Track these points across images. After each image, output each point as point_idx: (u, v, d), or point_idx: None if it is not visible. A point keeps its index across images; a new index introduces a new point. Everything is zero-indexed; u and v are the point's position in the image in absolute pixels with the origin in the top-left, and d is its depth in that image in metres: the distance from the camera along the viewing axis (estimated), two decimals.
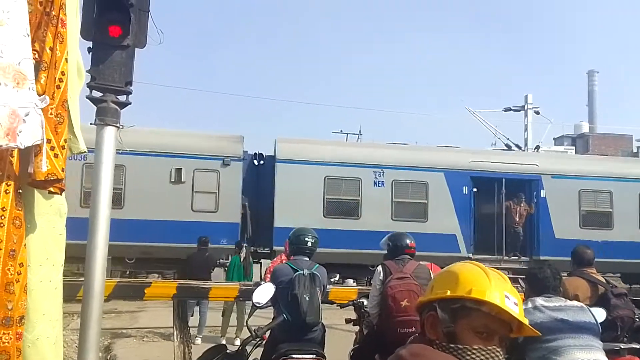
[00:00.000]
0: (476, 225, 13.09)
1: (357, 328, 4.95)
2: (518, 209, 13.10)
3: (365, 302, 4.54)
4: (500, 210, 13.26)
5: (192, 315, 7.67)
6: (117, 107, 3.17)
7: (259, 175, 12.70)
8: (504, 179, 13.09)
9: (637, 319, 4.64)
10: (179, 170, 11.64)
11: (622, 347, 3.91)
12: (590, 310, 2.77)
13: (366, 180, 12.37)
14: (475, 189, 12.96)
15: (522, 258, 13.13)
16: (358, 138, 29.08)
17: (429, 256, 12.08)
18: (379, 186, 12.43)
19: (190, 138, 12.70)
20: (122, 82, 3.18)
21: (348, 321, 4.99)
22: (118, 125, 3.15)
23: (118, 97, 3.20)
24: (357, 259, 11.81)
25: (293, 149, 12.59)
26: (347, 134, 29.00)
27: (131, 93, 3.25)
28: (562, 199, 12.96)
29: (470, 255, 12.34)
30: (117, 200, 10.81)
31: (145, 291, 5.41)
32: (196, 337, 7.88)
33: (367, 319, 4.44)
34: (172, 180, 11.62)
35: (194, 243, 8.56)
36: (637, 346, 4.03)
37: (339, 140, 18.96)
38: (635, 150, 39.77)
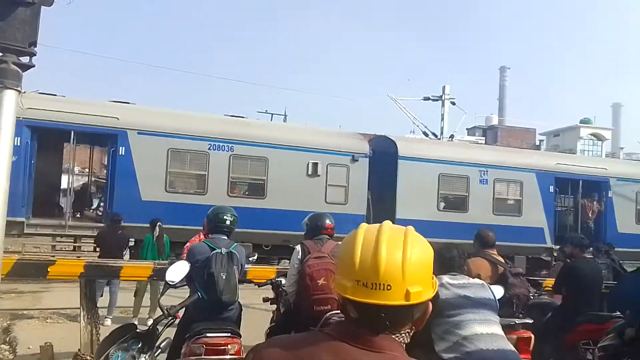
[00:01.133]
0: (558, 220, 14.78)
1: (274, 307, 4.98)
2: (591, 206, 15.02)
3: (284, 281, 4.57)
4: (576, 207, 15.16)
5: (102, 296, 7.33)
6: (18, 70, 2.90)
7: (381, 171, 13.43)
8: (580, 180, 14.74)
9: (532, 297, 5.09)
10: (315, 165, 12.49)
11: (517, 322, 4.27)
12: (490, 288, 2.98)
13: (473, 178, 13.75)
14: (557, 189, 14.61)
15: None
16: (285, 119, 29.01)
17: (523, 247, 13.49)
18: (484, 184, 13.87)
19: (325, 135, 13.71)
20: (25, 43, 2.91)
21: (266, 300, 5.00)
22: (19, 89, 2.88)
23: (20, 58, 2.92)
24: (466, 248, 12.90)
25: (412, 148, 13.87)
26: (272, 114, 28.86)
27: (35, 54, 2.98)
28: (624, 199, 15.01)
29: (553, 246, 13.95)
30: (261, 191, 12.14)
31: (48, 269, 5.07)
32: (106, 317, 7.57)
33: (285, 298, 4.47)
34: (309, 173, 12.47)
35: None
36: (531, 321, 4.42)
37: (450, 142, 20.12)
38: (537, 143, 43.13)
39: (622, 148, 49.70)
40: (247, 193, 12.58)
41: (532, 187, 14.16)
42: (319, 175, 12.55)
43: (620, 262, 8.95)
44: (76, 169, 16.45)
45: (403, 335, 1.28)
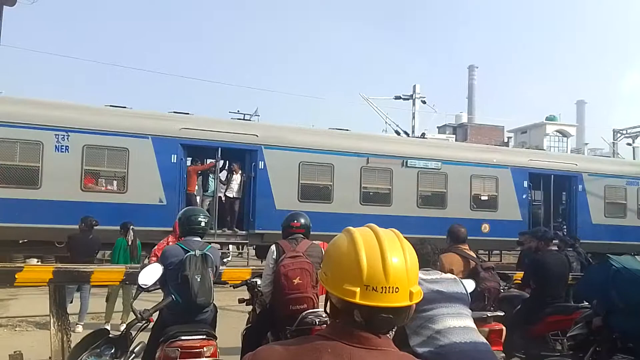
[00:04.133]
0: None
1: (250, 308, 4.97)
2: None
3: (259, 282, 4.56)
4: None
5: (72, 302, 7.16)
6: None
7: None
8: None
9: (502, 290, 5.21)
10: None
11: (489, 315, 4.36)
12: (461, 282, 3.05)
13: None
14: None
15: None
16: (253, 118, 28.83)
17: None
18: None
19: None
20: None
21: (241, 301, 4.98)
22: None
23: None
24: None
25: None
26: (244, 114, 28.64)
27: None
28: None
29: None
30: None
31: (16, 276, 4.92)
32: (77, 324, 7.40)
33: (261, 298, 4.47)
34: None
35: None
36: (502, 314, 4.53)
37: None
38: (506, 140, 44.08)
39: (587, 144, 51.34)
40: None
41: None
42: None
43: (587, 253, 9.24)
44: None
45: (390, 332, 1.34)
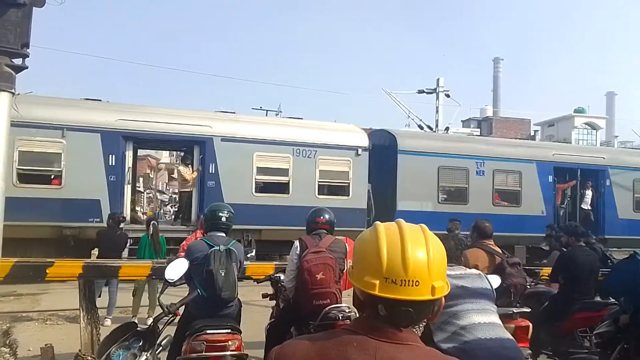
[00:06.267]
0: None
1: (273, 303, 5.00)
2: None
3: (282, 277, 4.59)
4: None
5: (100, 297, 7.33)
6: (12, 71, 2.89)
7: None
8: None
9: (528, 286, 5.13)
10: None
11: (515, 311, 4.31)
12: (486, 277, 3.00)
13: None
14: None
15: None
16: (277, 113, 28.97)
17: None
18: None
19: None
20: (17, 44, 2.90)
21: (265, 296, 5.02)
22: (13, 91, 2.88)
23: (13, 60, 2.91)
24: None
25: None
26: (267, 110, 28.79)
27: (28, 56, 2.97)
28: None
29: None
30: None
31: (47, 271, 5.06)
32: (105, 318, 7.57)
33: (284, 293, 4.50)
34: None
35: None
36: (528, 310, 4.46)
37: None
38: (532, 133, 43.22)
39: (617, 136, 49.91)
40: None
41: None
42: None
43: (606, 250, 8.99)
44: None
45: (417, 328, 1.33)
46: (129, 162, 11.46)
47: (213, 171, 11.75)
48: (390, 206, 12.94)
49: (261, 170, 12.08)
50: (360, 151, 12.81)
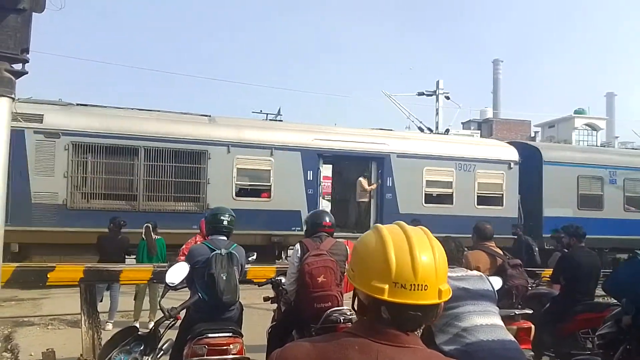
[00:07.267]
0: None
1: (275, 306, 4.99)
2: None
3: (283, 280, 4.58)
4: None
5: (101, 301, 7.32)
6: (11, 77, 2.89)
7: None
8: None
9: (530, 288, 5.12)
10: None
11: (517, 312, 4.30)
12: (488, 279, 3.00)
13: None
14: None
15: None
16: (276, 117, 28.96)
17: None
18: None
19: None
20: (17, 49, 2.91)
21: (266, 299, 5.01)
22: (13, 96, 2.88)
23: (13, 65, 2.92)
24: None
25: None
26: (267, 114, 28.80)
27: (28, 61, 2.98)
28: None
29: None
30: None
31: (48, 276, 5.07)
32: (107, 322, 7.56)
33: (285, 297, 4.48)
34: None
35: None
36: (530, 312, 4.45)
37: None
38: (532, 134, 43.22)
39: (617, 137, 49.89)
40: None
41: None
42: None
43: (594, 250, 8.97)
44: None
45: (418, 330, 1.33)
46: (321, 177, 12.67)
47: (390, 184, 12.89)
48: (537, 213, 13.88)
49: (430, 183, 13.11)
50: (512, 165, 13.81)
